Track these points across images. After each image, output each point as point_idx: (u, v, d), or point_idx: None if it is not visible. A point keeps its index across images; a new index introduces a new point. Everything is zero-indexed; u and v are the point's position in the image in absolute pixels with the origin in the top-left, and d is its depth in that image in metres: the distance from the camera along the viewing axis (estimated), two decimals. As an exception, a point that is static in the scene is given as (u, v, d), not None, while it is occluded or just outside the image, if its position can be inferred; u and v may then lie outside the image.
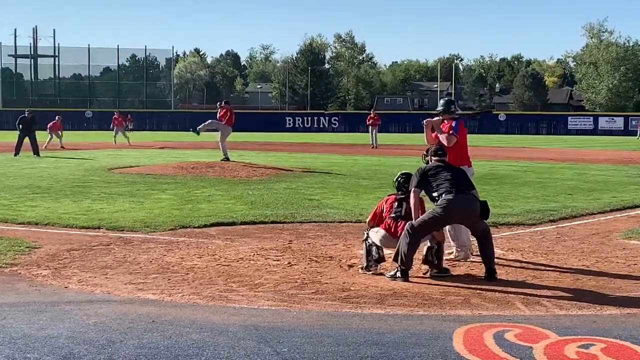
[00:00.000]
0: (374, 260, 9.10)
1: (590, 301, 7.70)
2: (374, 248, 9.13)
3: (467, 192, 8.86)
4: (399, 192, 9.43)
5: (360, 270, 9.12)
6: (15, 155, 29.82)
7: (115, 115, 46.30)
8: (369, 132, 43.14)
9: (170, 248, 10.53)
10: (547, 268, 9.44)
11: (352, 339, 6.08)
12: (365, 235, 9.32)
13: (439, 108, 10.47)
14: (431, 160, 9.33)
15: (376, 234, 9.21)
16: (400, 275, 8.64)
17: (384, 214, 9.31)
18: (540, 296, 7.92)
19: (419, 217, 8.82)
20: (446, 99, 10.89)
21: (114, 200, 15.67)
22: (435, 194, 8.89)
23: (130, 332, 6.20)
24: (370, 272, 8.99)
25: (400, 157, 30.20)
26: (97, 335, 6.09)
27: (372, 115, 43.25)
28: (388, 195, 9.57)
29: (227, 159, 24.95)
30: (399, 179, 9.56)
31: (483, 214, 8.85)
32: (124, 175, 21.33)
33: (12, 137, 44.51)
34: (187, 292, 7.93)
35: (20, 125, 31.37)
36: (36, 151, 30.29)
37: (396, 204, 9.29)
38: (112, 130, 45.08)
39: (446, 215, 8.76)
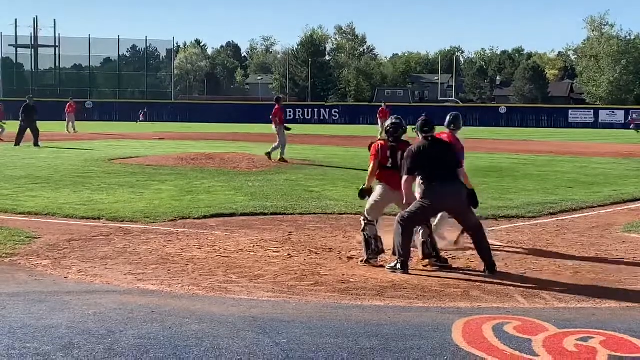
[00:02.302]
0: (373, 252, 9.13)
1: (590, 294, 7.72)
2: (372, 240, 9.15)
3: (454, 179, 8.82)
4: (390, 139, 9.45)
5: (359, 263, 9.14)
6: (15, 145, 29.57)
7: (70, 102, 44.89)
8: (378, 124, 42.01)
9: (170, 239, 10.53)
10: (547, 261, 9.44)
11: (352, 331, 6.08)
12: (363, 225, 9.32)
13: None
14: (419, 137, 9.14)
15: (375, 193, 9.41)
16: (400, 267, 8.65)
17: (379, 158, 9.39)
18: (539, 289, 7.94)
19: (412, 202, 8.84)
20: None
21: (114, 190, 15.67)
22: (421, 179, 8.96)
23: (129, 322, 6.21)
24: (370, 265, 9.01)
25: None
26: (96, 325, 6.10)
27: (383, 107, 42.29)
28: (379, 140, 9.61)
29: (283, 160, 23.41)
30: (389, 127, 9.52)
31: (472, 203, 8.87)
32: (124, 166, 21.32)
33: (13, 127, 44.48)
34: (186, 283, 7.94)
35: (23, 115, 30.77)
36: (36, 142, 29.84)
37: (389, 152, 9.36)
38: (65, 120, 43.73)
39: (434, 205, 8.82)
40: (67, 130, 42.37)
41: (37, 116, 31.24)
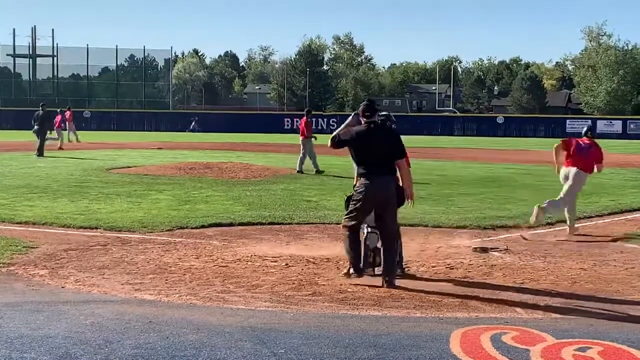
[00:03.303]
0: (369, 263, 9.01)
1: (588, 304, 7.71)
2: (369, 252, 9.04)
3: (388, 172, 8.54)
4: (364, 119, 8.92)
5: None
6: (38, 156, 28.88)
7: (68, 111, 42.13)
8: None
9: (167, 249, 10.52)
10: (545, 271, 9.43)
11: (349, 341, 6.07)
12: (365, 233, 9.06)
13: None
14: (362, 120, 8.69)
15: None
16: (353, 272, 8.60)
17: None
18: (537, 299, 7.93)
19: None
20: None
21: (111, 200, 15.66)
22: (356, 169, 8.71)
23: (127, 332, 6.19)
24: (367, 274, 8.94)
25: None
26: (94, 335, 6.09)
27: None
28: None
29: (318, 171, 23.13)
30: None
31: (399, 200, 8.62)
32: (122, 176, 21.32)
33: (11, 136, 44.42)
34: (184, 293, 7.92)
35: (36, 125, 30.28)
36: (40, 152, 29.33)
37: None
38: (66, 130, 40.90)
39: (364, 201, 8.50)
40: (69, 140, 40.89)
41: (49, 124, 31.01)
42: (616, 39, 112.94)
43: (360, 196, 8.51)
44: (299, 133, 24.78)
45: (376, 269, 8.92)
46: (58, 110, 40.61)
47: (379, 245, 8.91)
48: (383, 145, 8.56)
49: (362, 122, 8.68)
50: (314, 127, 26.19)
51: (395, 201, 8.62)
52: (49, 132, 35.87)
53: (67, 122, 41.53)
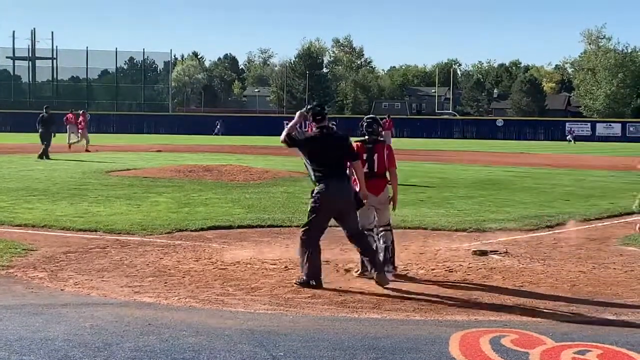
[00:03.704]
0: (365, 266, 9.06)
1: (587, 307, 7.72)
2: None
3: (345, 177, 8.62)
4: (366, 139, 9.30)
5: (354, 274, 9.14)
6: (45, 158, 28.74)
7: (82, 114, 38.84)
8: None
9: (166, 251, 10.52)
10: (544, 274, 9.44)
11: (349, 344, 6.07)
12: None
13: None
14: (313, 125, 8.78)
15: None
16: (306, 282, 8.43)
17: None
18: (536, 302, 7.93)
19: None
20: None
21: (111, 203, 15.65)
22: (312, 176, 8.63)
23: (126, 335, 6.19)
24: (367, 277, 8.99)
25: (397, 161, 29.84)
26: (93, 338, 6.08)
27: (387, 120, 41.43)
28: (356, 141, 9.31)
29: None
30: (364, 122, 9.37)
31: (357, 204, 8.65)
32: (121, 178, 21.31)
33: (10, 139, 44.37)
34: (183, 296, 7.93)
35: (41, 126, 30.09)
36: (45, 154, 29.07)
37: (365, 155, 9.14)
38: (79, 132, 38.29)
39: (326, 206, 8.49)
40: (84, 146, 36.97)
41: (54, 127, 30.77)
42: (615, 42, 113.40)
43: (319, 201, 8.51)
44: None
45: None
46: (80, 111, 39.21)
47: (375, 247, 9.05)
48: (336, 149, 8.62)
49: (313, 127, 8.79)
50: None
51: (354, 201, 8.63)
52: (72, 134, 35.76)
53: (78, 127, 40.84)
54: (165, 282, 8.57)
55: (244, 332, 6.38)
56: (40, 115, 31.18)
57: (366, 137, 9.39)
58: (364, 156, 9.13)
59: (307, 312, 7.36)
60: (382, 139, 9.70)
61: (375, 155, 9.25)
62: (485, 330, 6.55)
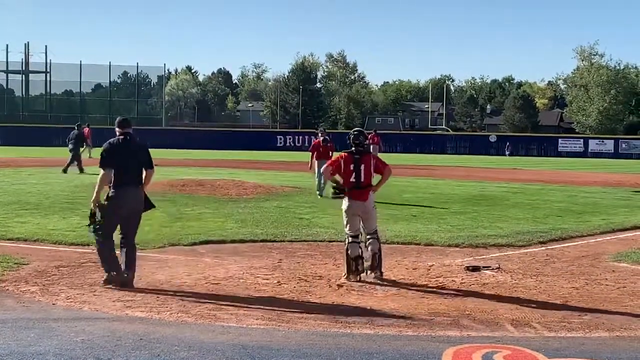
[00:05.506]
0: (352, 271, 9.58)
1: (579, 323, 7.72)
2: (352, 262, 9.58)
3: (138, 183, 9.16)
4: (353, 149, 9.74)
5: (343, 277, 9.58)
6: (66, 170, 29.18)
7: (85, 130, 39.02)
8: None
9: (159, 265, 10.50)
10: (537, 290, 9.44)
11: (341, 359, 6.05)
12: (346, 245, 9.71)
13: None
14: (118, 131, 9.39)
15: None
16: (111, 281, 8.97)
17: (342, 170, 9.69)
18: (529, 318, 7.93)
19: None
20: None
21: (103, 217, 15.58)
22: (111, 182, 9.11)
23: (118, 349, 6.17)
24: (352, 281, 9.47)
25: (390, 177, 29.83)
26: (84, 352, 6.06)
27: (373, 135, 41.17)
28: (344, 152, 9.85)
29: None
30: (351, 135, 9.82)
31: (147, 206, 9.26)
32: (114, 192, 21.21)
33: (2, 152, 44.25)
34: (175, 310, 7.90)
35: (72, 141, 30.49)
36: (67, 168, 29.42)
37: (352, 165, 9.62)
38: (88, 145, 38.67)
39: (116, 209, 9.08)
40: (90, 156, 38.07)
41: (82, 143, 31.13)
42: (608, 59, 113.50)
43: (113, 206, 9.06)
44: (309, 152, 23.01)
45: (360, 276, 9.57)
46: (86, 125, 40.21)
47: (360, 253, 9.57)
48: (135, 155, 9.26)
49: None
50: (306, 144, 25.29)
51: (142, 209, 9.26)
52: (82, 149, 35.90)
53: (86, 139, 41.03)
54: (158, 297, 8.54)
55: (236, 347, 6.36)
56: (72, 132, 31.58)
57: (353, 148, 9.76)
58: (351, 167, 9.47)
59: (300, 327, 7.34)
60: (369, 150, 10.03)
61: (362, 165, 9.71)
62: (478, 346, 6.55)
